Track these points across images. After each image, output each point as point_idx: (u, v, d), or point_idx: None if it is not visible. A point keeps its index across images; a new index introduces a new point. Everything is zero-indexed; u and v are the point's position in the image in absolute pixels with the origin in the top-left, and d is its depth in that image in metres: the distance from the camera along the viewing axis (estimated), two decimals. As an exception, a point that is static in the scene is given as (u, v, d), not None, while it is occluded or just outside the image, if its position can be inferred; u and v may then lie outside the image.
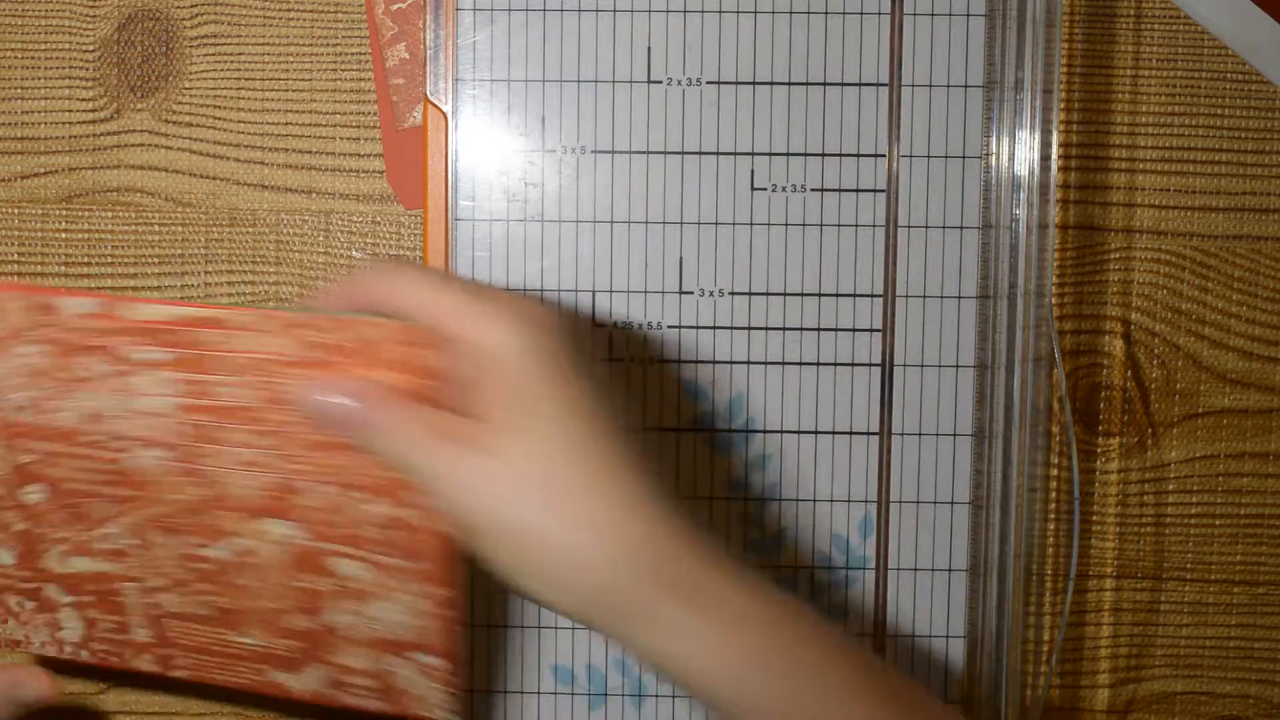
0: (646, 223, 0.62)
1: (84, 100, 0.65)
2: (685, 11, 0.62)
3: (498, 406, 0.47)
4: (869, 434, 0.63)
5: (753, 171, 0.62)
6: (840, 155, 0.62)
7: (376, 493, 0.55)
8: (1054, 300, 0.64)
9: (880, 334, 0.62)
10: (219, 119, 0.65)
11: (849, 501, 0.63)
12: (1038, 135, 0.59)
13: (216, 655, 0.60)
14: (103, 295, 0.56)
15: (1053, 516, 0.65)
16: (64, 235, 0.65)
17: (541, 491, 0.46)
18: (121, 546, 0.59)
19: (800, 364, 0.62)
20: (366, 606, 0.58)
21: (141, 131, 0.65)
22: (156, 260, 0.65)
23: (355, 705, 0.60)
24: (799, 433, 0.63)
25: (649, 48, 0.62)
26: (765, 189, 0.62)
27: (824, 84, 0.62)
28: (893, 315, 0.62)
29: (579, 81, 0.62)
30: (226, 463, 0.57)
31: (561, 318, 0.50)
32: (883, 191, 0.62)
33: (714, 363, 0.63)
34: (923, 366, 0.62)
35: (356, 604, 0.58)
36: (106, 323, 0.56)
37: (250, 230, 0.65)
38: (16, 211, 0.65)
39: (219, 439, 0.57)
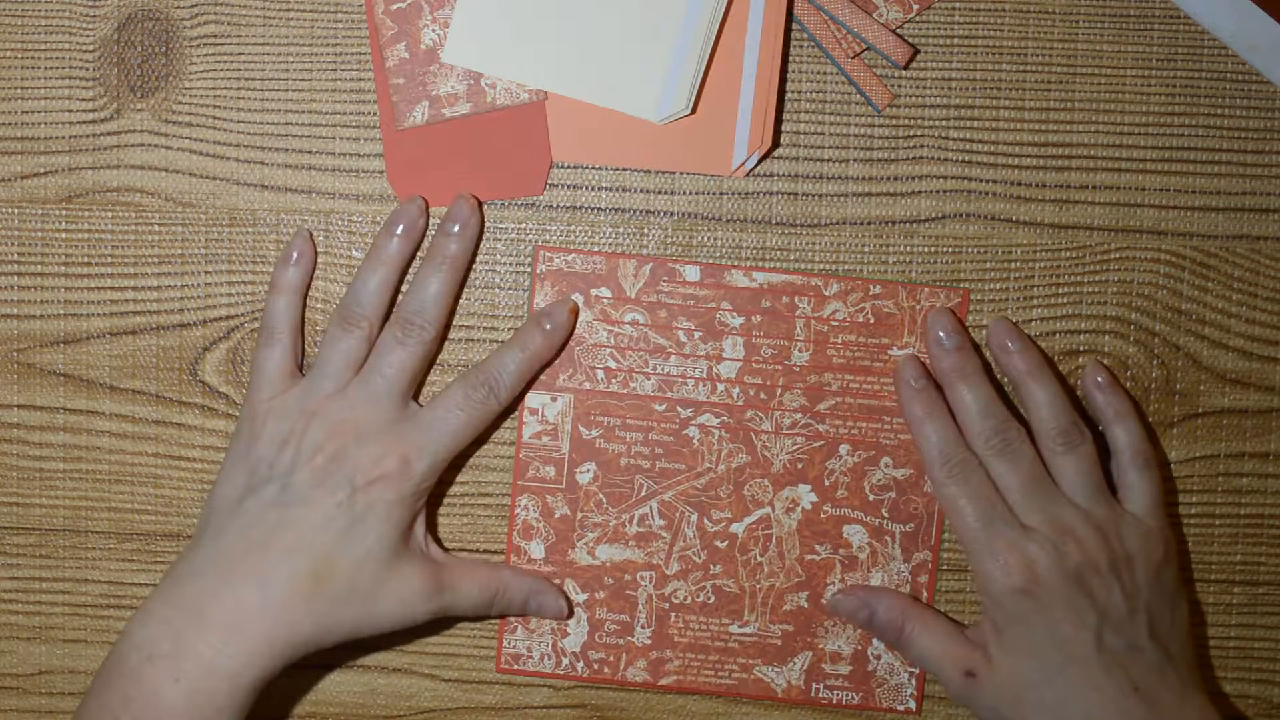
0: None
1: (84, 100, 0.65)
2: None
3: (1007, 650, 0.59)
4: None
5: None
6: None
7: (896, 458, 0.61)
8: (1054, 300, 0.64)
9: None
10: (219, 119, 0.65)
11: None
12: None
13: (709, 653, 0.63)
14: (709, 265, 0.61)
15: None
16: (64, 235, 0.65)
17: (1013, 708, 0.59)
18: (652, 529, 0.62)
19: None
20: (864, 578, 0.62)
21: (141, 131, 0.65)
22: (156, 260, 0.65)
23: (828, 703, 0.63)
24: None
25: None
26: None
27: None
28: None
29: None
30: (769, 427, 0.61)
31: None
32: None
33: None
34: None
35: (856, 576, 0.62)
36: (709, 289, 0.60)
37: (250, 230, 0.65)
38: (16, 211, 0.65)
39: (767, 405, 0.61)
